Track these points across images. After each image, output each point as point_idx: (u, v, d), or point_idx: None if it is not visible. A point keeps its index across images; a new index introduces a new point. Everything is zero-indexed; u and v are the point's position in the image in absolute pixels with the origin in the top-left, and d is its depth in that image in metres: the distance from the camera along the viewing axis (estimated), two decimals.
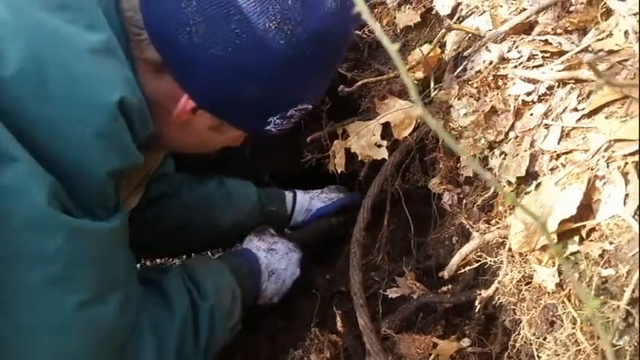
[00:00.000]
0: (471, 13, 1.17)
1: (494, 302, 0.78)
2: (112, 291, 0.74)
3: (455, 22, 1.17)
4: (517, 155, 0.82)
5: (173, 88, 0.78)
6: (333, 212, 1.35)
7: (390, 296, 1.01)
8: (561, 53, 0.89)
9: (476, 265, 0.78)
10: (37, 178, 0.64)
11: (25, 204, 0.63)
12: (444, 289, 0.99)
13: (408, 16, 1.29)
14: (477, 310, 0.91)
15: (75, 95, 0.67)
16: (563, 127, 0.78)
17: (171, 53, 0.75)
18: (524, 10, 1.01)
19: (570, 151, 0.74)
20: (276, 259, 1.15)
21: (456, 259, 0.77)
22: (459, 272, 0.88)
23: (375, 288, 1.11)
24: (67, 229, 0.66)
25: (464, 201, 0.94)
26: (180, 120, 0.81)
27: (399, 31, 1.31)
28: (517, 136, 0.85)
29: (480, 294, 0.77)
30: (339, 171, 1.23)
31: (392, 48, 0.32)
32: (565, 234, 0.68)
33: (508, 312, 0.79)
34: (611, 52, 0.82)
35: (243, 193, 1.24)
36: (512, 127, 0.87)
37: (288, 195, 1.34)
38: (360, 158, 1.15)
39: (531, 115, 0.84)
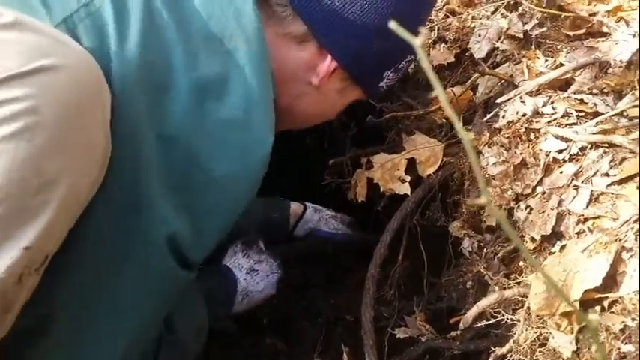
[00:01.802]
0: (506, 60, 1.18)
1: (505, 358, 0.78)
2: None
3: (489, 67, 1.18)
4: (543, 212, 0.82)
5: (314, 56, 0.88)
6: (330, 241, 1.36)
7: (398, 336, 1.00)
8: (596, 114, 0.90)
9: (493, 320, 0.78)
10: (165, 228, 0.71)
11: (150, 251, 0.71)
12: (453, 334, 0.98)
13: (442, 55, 1.30)
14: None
15: (229, 136, 0.74)
16: (592, 190, 0.78)
17: (316, 19, 0.85)
18: (561, 65, 1.02)
19: (598, 217, 0.74)
20: (255, 281, 1.17)
21: (473, 312, 0.77)
22: None
23: (383, 323, 1.11)
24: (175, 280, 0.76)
25: (484, 250, 0.93)
26: (322, 83, 0.90)
27: (432, 68, 1.32)
28: (544, 192, 0.85)
29: (494, 350, 0.76)
30: (359, 200, 1.23)
31: (465, 135, 0.33)
32: (586, 302, 0.67)
33: None
34: None
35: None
36: (540, 183, 0.87)
37: (298, 207, 1.35)
38: (382, 190, 1.15)
39: (561, 173, 0.84)
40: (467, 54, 1.27)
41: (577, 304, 0.65)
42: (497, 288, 0.82)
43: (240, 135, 0.75)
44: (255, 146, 0.76)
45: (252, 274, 1.16)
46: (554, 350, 0.70)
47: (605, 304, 0.66)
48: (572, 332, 0.67)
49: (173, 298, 0.81)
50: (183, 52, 0.72)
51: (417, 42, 0.33)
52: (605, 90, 0.94)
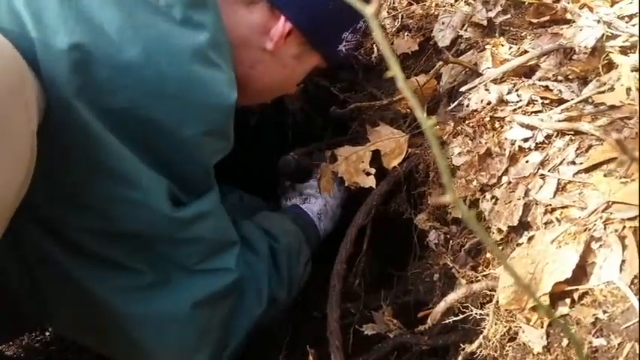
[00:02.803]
0: (470, 48, 1.15)
1: (475, 354, 0.75)
2: (232, 248, 0.84)
3: (453, 55, 1.15)
4: (510, 202, 0.80)
5: (266, 18, 0.84)
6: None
7: (365, 333, 0.97)
8: (561, 101, 0.88)
9: (461, 316, 0.75)
10: (158, 188, 0.72)
11: (153, 216, 0.72)
12: (421, 328, 0.96)
13: (406, 44, 1.26)
14: (453, 355, 0.88)
15: (189, 96, 0.71)
16: (559, 179, 0.76)
17: None
18: (526, 52, 1.00)
19: (566, 206, 0.72)
20: (313, 202, 1.17)
21: (441, 307, 0.74)
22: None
23: (349, 320, 1.07)
24: (190, 222, 0.76)
25: (450, 242, 0.91)
26: (277, 47, 0.85)
27: (395, 57, 1.28)
28: (510, 182, 0.83)
29: (464, 348, 0.73)
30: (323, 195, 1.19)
31: (425, 121, 0.29)
32: (555, 295, 0.65)
33: None
34: (612, 107, 0.81)
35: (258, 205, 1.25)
36: (505, 172, 0.84)
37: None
38: (347, 184, 1.11)
39: (527, 162, 0.82)
40: (431, 42, 1.24)
41: (546, 298, 0.63)
42: (464, 281, 0.79)
43: (199, 93, 0.72)
44: (216, 101, 0.74)
45: (307, 201, 1.17)
46: (525, 345, 0.68)
47: (575, 296, 0.63)
48: (542, 326, 0.65)
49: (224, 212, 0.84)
50: (117, 24, 0.66)
51: (369, 10, 0.28)
52: (570, 77, 0.92)
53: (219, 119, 0.75)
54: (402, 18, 1.29)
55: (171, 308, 0.76)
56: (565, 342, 0.62)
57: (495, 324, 0.72)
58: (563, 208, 0.72)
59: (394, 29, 1.29)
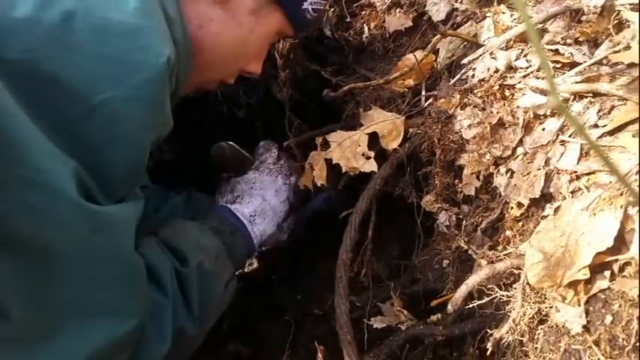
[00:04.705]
0: (468, 20, 1.09)
1: (501, 341, 0.69)
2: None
3: (449, 29, 1.09)
4: (528, 174, 0.74)
5: None
6: None
7: (374, 326, 0.90)
8: (573, 65, 0.82)
9: (487, 299, 0.68)
10: (63, 168, 0.56)
11: (56, 200, 0.56)
12: (434, 318, 0.89)
13: (398, 20, 1.20)
14: (471, 344, 0.82)
15: (104, 49, 0.58)
16: (582, 144, 0.69)
17: None
18: (531, 17, 0.93)
19: (593, 172, 0.65)
20: (245, 202, 1.03)
21: (462, 291, 0.67)
22: (448, 299, 0.79)
23: (355, 314, 1.00)
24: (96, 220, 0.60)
25: (463, 222, 0.84)
26: None
27: (388, 35, 1.22)
28: (527, 153, 0.77)
29: (491, 333, 0.67)
30: (319, 184, 1.12)
31: None
32: (591, 268, 0.58)
33: (514, 352, 0.69)
34: (631, 65, 0.75)
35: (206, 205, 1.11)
36: (520, 143, 0.78)
37: None
38: (344, 170, 1.04)
39: (543, 129, 0.76)
40: (425, 17, 1.18)
41: (587, 271, 0.56)
42: (484, 262, 0.72)
43: (118, 45, 0.58)
44: (144, 58, 0.60)
45: (238, 200, 1.03)
46: (558, 326, 0.61)
47: (616, 267, 0.57)
48: (579, 304, 0.58)
49: (133, 229, 0.68)
50: None
51: None
52: (580, 39, 0.86)
53: (147, 83, 0.60)
54: None
55: None
56: (609, 319, 0.55)
57: (522, 306, 0.66)
58: (590, 174, 0.66)
59: (385, 6, 1.23)
